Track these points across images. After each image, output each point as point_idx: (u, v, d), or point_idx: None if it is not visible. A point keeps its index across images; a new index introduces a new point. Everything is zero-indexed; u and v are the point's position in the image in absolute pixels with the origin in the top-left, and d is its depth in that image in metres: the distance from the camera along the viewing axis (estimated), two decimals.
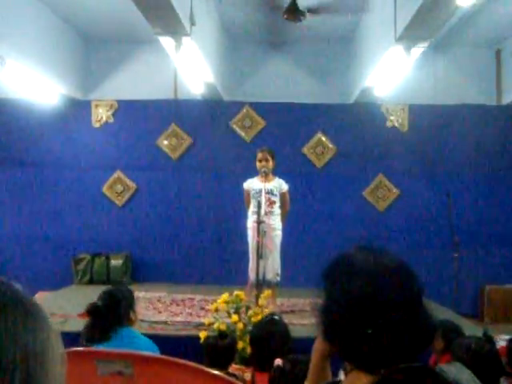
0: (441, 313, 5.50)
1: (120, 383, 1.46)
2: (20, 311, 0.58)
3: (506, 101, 7.51)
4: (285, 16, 6.17)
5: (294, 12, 6.08)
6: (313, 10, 6.20)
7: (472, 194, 7.58)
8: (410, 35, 4.88)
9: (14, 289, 0.59)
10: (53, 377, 0.58)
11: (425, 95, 7.58)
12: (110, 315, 2.90)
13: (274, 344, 2.79)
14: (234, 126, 7.84)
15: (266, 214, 5.27)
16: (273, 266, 5.44)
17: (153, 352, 2.94)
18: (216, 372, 1.60)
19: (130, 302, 3.07)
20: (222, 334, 3.31)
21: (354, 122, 7.73)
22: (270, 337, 2.76)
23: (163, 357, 2.19)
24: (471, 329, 4.92)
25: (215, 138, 7.79)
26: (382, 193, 7.74)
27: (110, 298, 3.00)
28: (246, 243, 5.61)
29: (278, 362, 2.58)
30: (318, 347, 1.55)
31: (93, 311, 2.93)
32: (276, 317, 3.13)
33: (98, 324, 2.91)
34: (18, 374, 0.54)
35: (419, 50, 5.25)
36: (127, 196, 7.83)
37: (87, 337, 2.92)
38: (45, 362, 0.57)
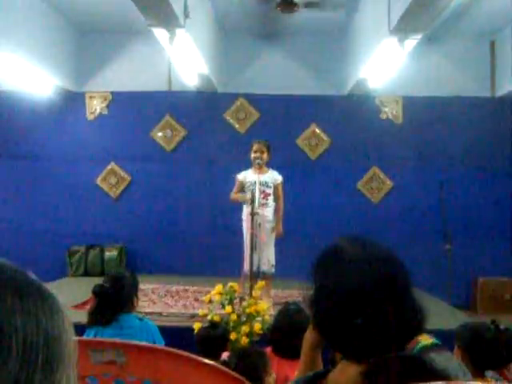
0: (433, 304, 5.55)
1: (113, 372, 1.48)
2: (39, 297, 0.61)
3: (500, 93, 7.53)
4: (278, 8, 6.17)
5: (287, 4, 6.07)
6: (308, 4, 6.20)
7: (465, 185, 7.61)
8: (403, 27, 4.88)
9: (30, 276, 0.63)
10: (68, 359, 0.62)
11: (419, 87, 7.59)
12: (114, 298, 2.93)
13: (300, 332, 2.79)
14: (228, 118, 7.84)
15: (260, 205, 5.29)
16: (267, 258, 5.46)
17: (153, 338, 2.98)
18: (208, 361, 1.62)
19: (134, 288, 3.11)
20: (213, 324, 3.34)
21: (348, 113, 7.74)
22: (295, 325, 2.76)
23: (156, 346, 2.21)
24: (464, 321, 4.95)
25: (209, 129, 7.79)
26: (375, 185, 7.77)
27: (115, 281, 3.03)
28: (241, 234, 5.62)
29: (225, 356, 2.60)
30: (309, 337, 1.58)
31: (99, 292, 2.96)
32: (300, 305, 3.11)
33: (103, 306, 2.93)
34: (40, 356, 0.57)
35: (413, 41, 5.25)
36: (121, 188, 7.83)
37: (90, 320, 2.95)
38: (62, 345, 0.61)
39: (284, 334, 2.84)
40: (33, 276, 0.63)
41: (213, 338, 3.13)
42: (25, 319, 0.57)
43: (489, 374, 2.44)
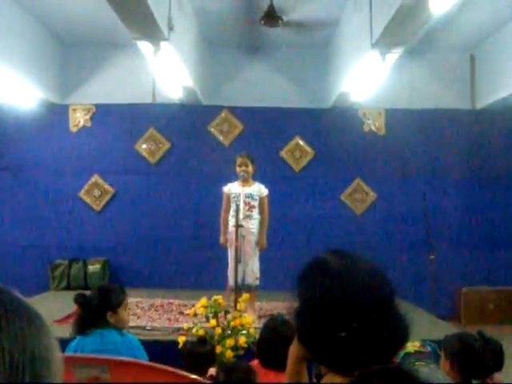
0: (417, 315, 5.57)
1: None
2: (25, 319, 0.62)
3: (479, 105, 7.64)
4: (262, 22, 6.21)
5: (271, 17, 6.12)
6: (288, 23, 6.28)
7: (448, 197, 7.70)
8: (385, 41, 4.95)
9: (17, 297, 0.63)
10: (54, 378, 0.63)
11: (401, 100, 7.68)
12: (96, 307, 2.91)
13: (286, 344, 2.78)
14: (213, 130, 7.85)
15: (244, 217, 5.29)
16: (252, 270, 5.45)
17: (135, 354, 2.94)
18: (194, 376, 1.61)
19: (119, 301, 3.02)
20: (201, 340, 3.30)
21: (331, 126, 7.79)
22: (281, 336, 2.76)
23: (140, 361, 2.19)
24: (448, 331, 4.98)
25: (193, 142, 7.79)
26: (359, 196, 7.81)
27: (100, 291, 3.00)
28: (225, 247, 5.61)
29: (212, 371, 2.59)
30: (294, 350, 1.57)
31: (79, 300, 2.94)
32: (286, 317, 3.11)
33: (84, 315, 2.91)
34: (27, 376, 0.58)
35: (395, 55, 5.32)
36: (105, 201, 7.78)
37: (73, 330, 2.93)
38: (49, 364, 0.62)
39: (270, 345, 2.84)
40: (19, 295, 0.63)
41: (201, 354, 3.11)
42: (11, 339, 0.57)
43: (475, 382, 2.46)
